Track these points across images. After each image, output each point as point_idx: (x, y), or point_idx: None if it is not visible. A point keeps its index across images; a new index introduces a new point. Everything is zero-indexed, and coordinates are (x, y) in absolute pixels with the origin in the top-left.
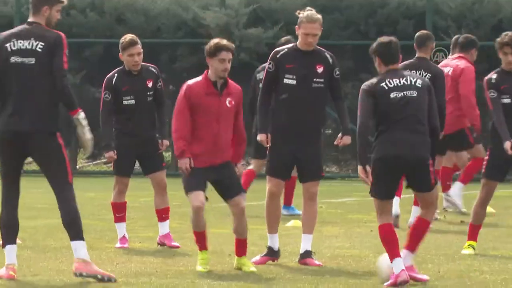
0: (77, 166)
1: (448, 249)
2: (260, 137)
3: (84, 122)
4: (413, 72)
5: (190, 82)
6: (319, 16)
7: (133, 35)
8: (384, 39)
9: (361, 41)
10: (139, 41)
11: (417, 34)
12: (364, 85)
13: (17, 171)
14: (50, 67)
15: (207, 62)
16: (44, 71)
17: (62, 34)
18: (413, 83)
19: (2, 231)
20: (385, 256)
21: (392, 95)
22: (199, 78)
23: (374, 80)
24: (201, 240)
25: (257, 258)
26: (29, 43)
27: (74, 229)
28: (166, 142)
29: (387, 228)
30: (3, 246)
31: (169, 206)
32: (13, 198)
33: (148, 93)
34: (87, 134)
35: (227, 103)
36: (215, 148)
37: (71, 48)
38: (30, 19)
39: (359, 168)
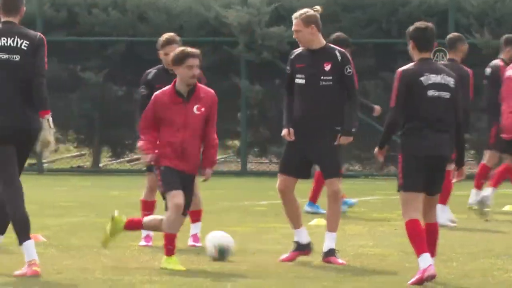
0: (100, 165)
1: (473, 247)
2: (283, 132)
3: (52, 125)
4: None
5: (158, 92)
6: (303, 13)
7: (171, 34)
8: (421, 24)
9: (382, 40)
10: (176, 40)
11: (448, 36)
12: (404, 71)
13: (17, 167)
14: (33, 66)
15: (174, 70)
16: (27, 68)
17: (43, 35)
18: (447, 83)
19: (16, 229)
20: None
21: (430, 93)
22: (168, 87)
23: (410, 70)
24: (172, 243)
25: (286, 255)
26: (13, 41)
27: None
28: None
29: (414, 224)
30: (20, 243)
31: (202, 208)
32: (20, 195)
33: None
34: (52, 136)
35: (194, 110)
36: (183, 155)
37: (93, 47)
38: (4, 19)
39: (377, 149)
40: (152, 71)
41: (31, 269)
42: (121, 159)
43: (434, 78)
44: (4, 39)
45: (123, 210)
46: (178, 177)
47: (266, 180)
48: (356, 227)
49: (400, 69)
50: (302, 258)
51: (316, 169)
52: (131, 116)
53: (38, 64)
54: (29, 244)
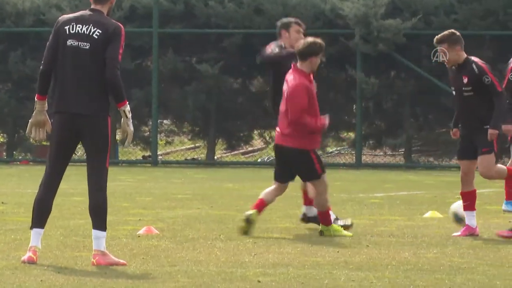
0: (215, 157)
1: None
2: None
3: (129, 115)
4: None
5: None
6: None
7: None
8: None
9: (499, 31)
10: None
11: None
12: None
13: (66, 155)
14: (103, 55)
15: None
16: (97, 57)
17: (121, 26)
18: None
19: (34, 213)
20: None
21: None
22: None
23: None
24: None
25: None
26: (87, 29)
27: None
28: None
29: None
30: (31, 227)
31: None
32: (55, 183)
33: None
34: (131, 127)
35: None
36: None
37: (210, 39)
38: (92, 7)
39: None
40: None
41: (28, 255)
42: (236, 152)
43: None
44: (79, 26)
45: (237, 203)
46: None
47: (381, 173)
48: None
49: None
50: (418, 250)
51: None
52: (246, 108)
53: (110, 54)
54: (38, 231)
